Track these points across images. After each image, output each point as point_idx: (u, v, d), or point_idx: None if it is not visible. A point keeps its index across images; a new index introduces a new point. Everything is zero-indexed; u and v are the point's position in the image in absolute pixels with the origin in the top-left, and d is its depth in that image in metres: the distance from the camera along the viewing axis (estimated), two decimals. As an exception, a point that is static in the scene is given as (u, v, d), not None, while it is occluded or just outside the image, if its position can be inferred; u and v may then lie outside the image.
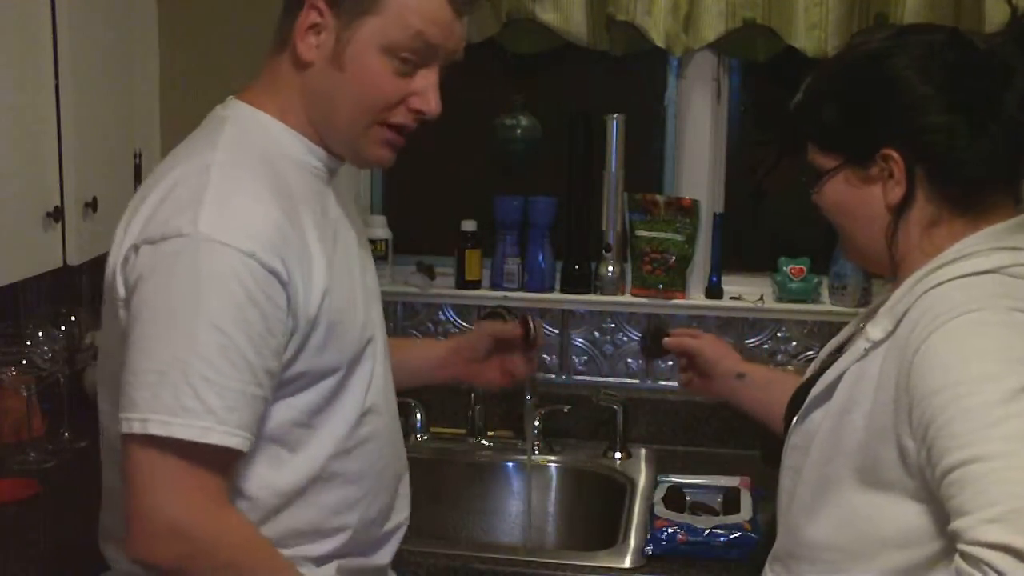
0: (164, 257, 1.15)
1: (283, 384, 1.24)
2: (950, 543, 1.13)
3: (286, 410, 1.26)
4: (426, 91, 1.29)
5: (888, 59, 1.25)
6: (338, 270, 1.30)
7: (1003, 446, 1.04)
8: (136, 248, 1.18)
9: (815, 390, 1.31)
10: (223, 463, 1.19)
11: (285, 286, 1.19)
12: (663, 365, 2.38)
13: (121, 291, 1.20)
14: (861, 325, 1.42)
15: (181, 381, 1.13)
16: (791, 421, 1.37)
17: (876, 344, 1.23)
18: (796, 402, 1.38)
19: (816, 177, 1.32)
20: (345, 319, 1.29)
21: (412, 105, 1.30)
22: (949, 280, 1.19)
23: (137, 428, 1.14)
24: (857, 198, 1.29)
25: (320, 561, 1.35)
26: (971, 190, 1.25)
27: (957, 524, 1.05)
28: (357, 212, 1.49)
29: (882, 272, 1.36)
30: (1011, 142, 1.23)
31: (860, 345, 1.25)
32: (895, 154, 1.24)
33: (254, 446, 1.21)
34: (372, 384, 1.36)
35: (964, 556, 1.03)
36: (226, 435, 1.15)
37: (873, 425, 1.20)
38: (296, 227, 1.23)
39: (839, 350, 1.41)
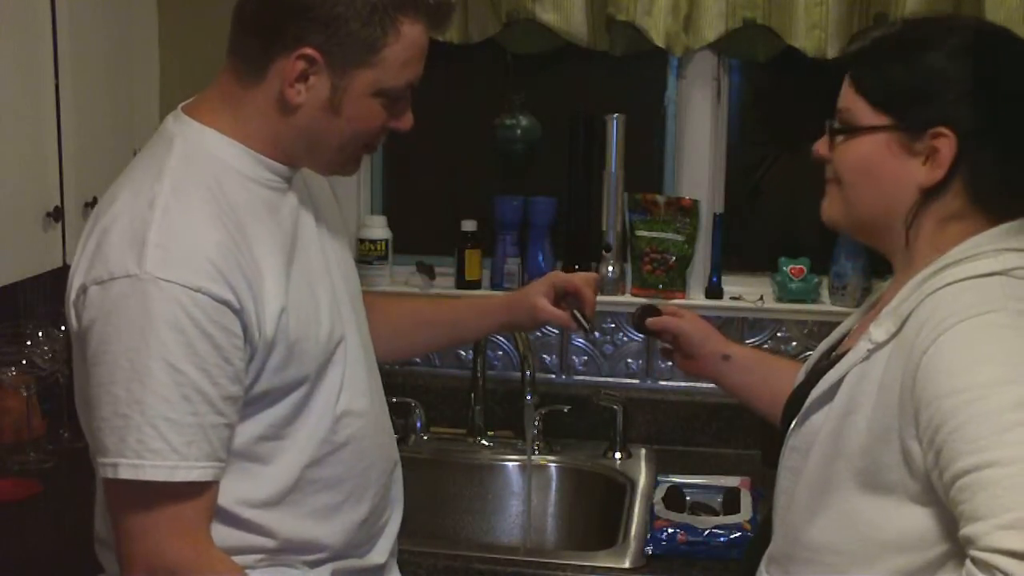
0: (114, 299, 1.16)
1: (248, 403, 1.25)
2: (952, 547, 1.13)
3: (254, 426, 1.27)
4: (405, 114, 1.33)
5: (984, 46, 1.22)
6: (296, 282, 1.29)
7: (1016, 451, 1.03)
8: (85, 288, 1.19)
9: (816, 392, 1.30)
10: (198, 495, 1.21)
11: (238, 313, 1.20)
12: (663, 365, 2.38)
13: (75, 326, 1.22)
14: (854, 326, 1.41)
15: (144, 423, 1.15)
16: (790, 423, 1.36)
17: (880, 345, 1.21)
18: (795, 404, 1.37)
19: (850, 128, 1.26)
20: (306, 334, 1.29)
21: (390, 125, 1.32)
22: (957, 281, 1.17)
23: (110, 473, 1.17)
24: (889, 165, 1.24)
25: (314, 564, 1.35)
26: (1007, 197, 1.23)
27: (969, 530, 1.04)
28: (332, 204, 1.48)
29: (874, 245, 1.34)
30: None
31: (863, 346, 1.24)
32: (952, 136, 1.20)
33: (227, 464, 1.23)
34: (344, 387, 1.35)
35: (976, 562, 1.02)
36: (190, 470, 1.17)
37: (876, 427, 1.19)
38: (245, 251, 1.23)
39: (831, 351, 1.41)
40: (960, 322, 1.13)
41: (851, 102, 1.27)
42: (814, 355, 1.47)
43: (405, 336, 1.69)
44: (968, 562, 1.03)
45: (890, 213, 1.26)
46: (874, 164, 1.25)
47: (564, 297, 1.67)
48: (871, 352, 1.22)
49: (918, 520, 1.17)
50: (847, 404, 1.24)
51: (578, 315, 1.66)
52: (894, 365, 1.18)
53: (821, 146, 1.32)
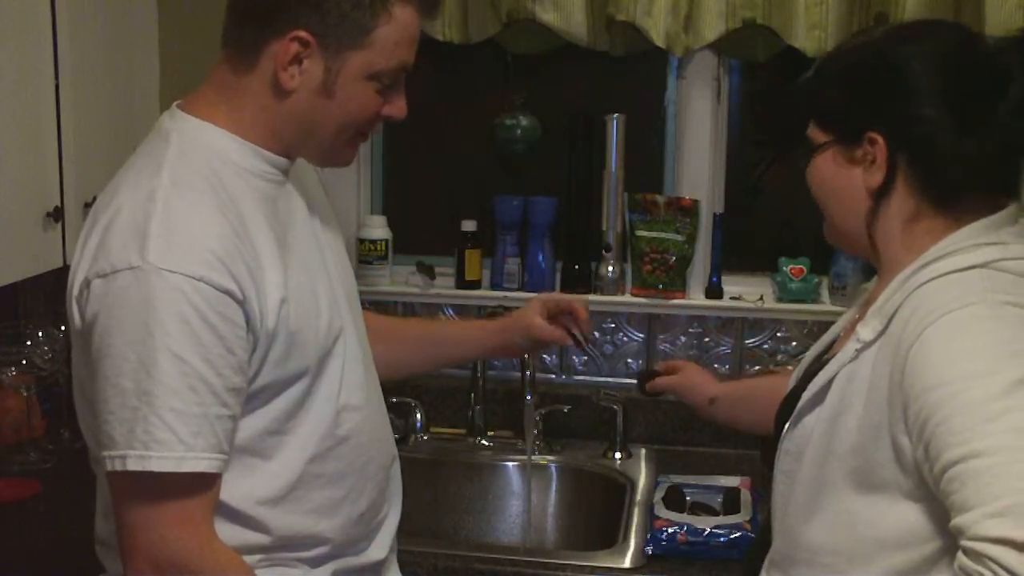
0: (117, 292, 1.16)
1: (251, 397, 1.25)
2: (948, 543, 1.14)
3: (258, 420, 1.27)
4: (399, 101, 1.34)
5: (897, 47, 1.26)
6: (295, 274, 1.30)
7: (1003, 440, 1.04)
8: (88, 283, 1.19)
9: (806, 394, 1.31)
10: (204, 487, 1.21)
11: (241, 304, 1.20)
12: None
13: (77, 322, 1.22)
14: (840, 333, 1.42)
15: (151, 414, 1.15)
16: (783, 426, 1.37)
17: (867, 345, 1.23)
18: (787, 407, 1.38)
19: (806, 152, 1.34)
20: (306, 325, 1.29)
21: (384, 113, 1.33)
22: (938, 277, 1.19)
23: (118, 466, 1.17)
24: (840, 178, 1.30)
25: (315, 562, 1.35)
26: (950, 190, 1.25)
27: (959, 520, 1.05)
28: (326, 203, 1.47)
29: (864, 256, 1.37)
30: (998, 151, 1.23)
31: (851, 347, 1.25)
32: (880, 138, 1.25)
33: (232, 460, 1.23)
34: (345, 381, 1.36)
35: (967, 552, 1.03)
36: (197, 461, 1.17)
37: (866, 426, 1.20)
38: (246, 241, 1.23)
39: (823, 355, 1.41)
40: (943, 315, 1.14)
41: (810, 128, 1.34)
42: (806, 359, 1.47)
43: (394, 351, 1.66)
44: (959, 553, 1.04)
45: (855, 222, 1.31)
46: (827, 180, 1.32)
47: (557, 317, 1.71)
48: (859, 352, 1.24)
49: (913, 516, 1.18)
50: (838, 405, 1.25)
51: (576, 332, 1.70)
52: (882, 363, 1.19)
53: (806, 173, 1.37)
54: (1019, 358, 1.10)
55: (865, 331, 1.24)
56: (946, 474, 1.07)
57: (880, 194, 1.27)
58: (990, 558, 1.00)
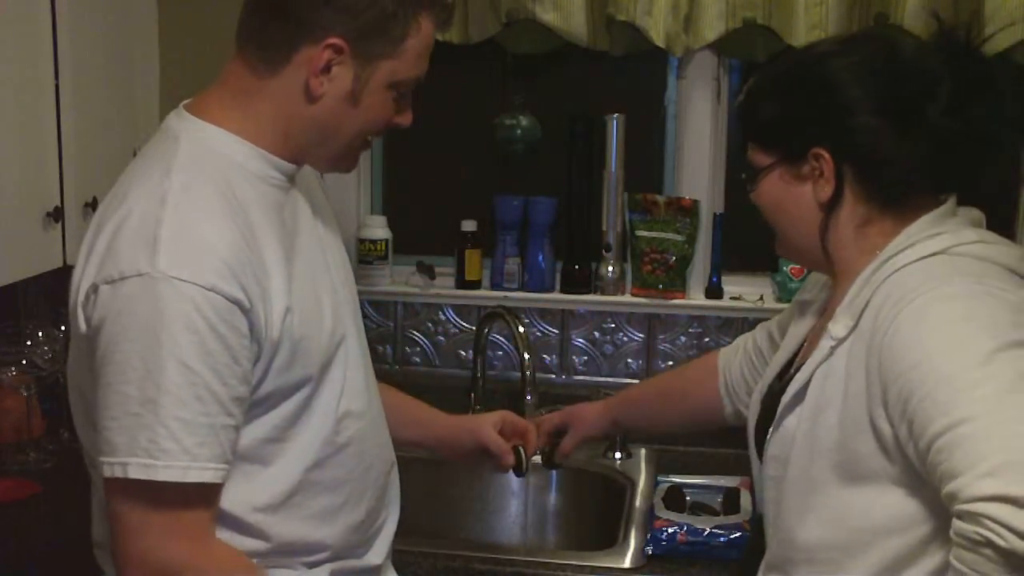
0: (126, 299, 1.15)
1: (253, 405, 1.25)
2: (941, 523, 1.15)
3: (259, 427, 1.27)
4: (408, 110, 1.34)
5: (826, 61, 1.30)
6: (299, 282, 1.29)
7: (985, 405, 1.07)
8: (96, 288, 1.18)
9: (785, 397, 1.33)
10: (205, 497, 1.20)
11: (247, 313, 1.20)
12: (663, 365, 2.38)
13: (83, 327, 1.20)
14: (804, 343, 1.42)
15: (156, 423, 1.14)
16: (765, 432, 1.38)
17: (840, 341, 1.26)
18: (767, 413, 1.39)
19: (753, 174, 1.36)
20: (310, 333, 1.28)
21: (395, 121, 1.34)
22: (905, 266, 1.23)
23: (119, 472, 1.16)
24: (790, 196, 1.33)
25: (312, 564, 1.35)
26: (897, 192, 1.28)
27: (950, 487, 1.06)
28: (327, 206, 1.47)
29: (817, 268, 1.41)
30: (935, 149, 1.26)
31: (825, 344, 1.28)
32: (825, 153, 1.28)
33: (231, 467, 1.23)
34: (346, 388, 1.35)
35: (962, 516, 1.04)
36: (202, 471, 1.17)
37: (847, 419, 1.22)
38: (254, 249, 1.22)
39: (787, 367, 1.42)
40: (915, 299, 1.17)
41: (751, 150, 1.38)
42: (766, 377, 1.48)
43: None
44: (954, 519, 1.05)
45: (809, 235, 1.34)
46: (778, 200, 1.36)
47: (511, 436, 1.77)
48: (833, 348, 1.26)
49: (903, 501, 1.20)
50: (817, 403, 1.27)
51: (521, 452, 1.76)
52: (857, 355, 1.22)
53: (752, 196, 1.40)
54: (992, 329, 1.13)
55: (837, 328, 1.26)
56: (933, 445, 1.09)
57: (831, 206, 1.30)
58: (987, 516, 1.01)
